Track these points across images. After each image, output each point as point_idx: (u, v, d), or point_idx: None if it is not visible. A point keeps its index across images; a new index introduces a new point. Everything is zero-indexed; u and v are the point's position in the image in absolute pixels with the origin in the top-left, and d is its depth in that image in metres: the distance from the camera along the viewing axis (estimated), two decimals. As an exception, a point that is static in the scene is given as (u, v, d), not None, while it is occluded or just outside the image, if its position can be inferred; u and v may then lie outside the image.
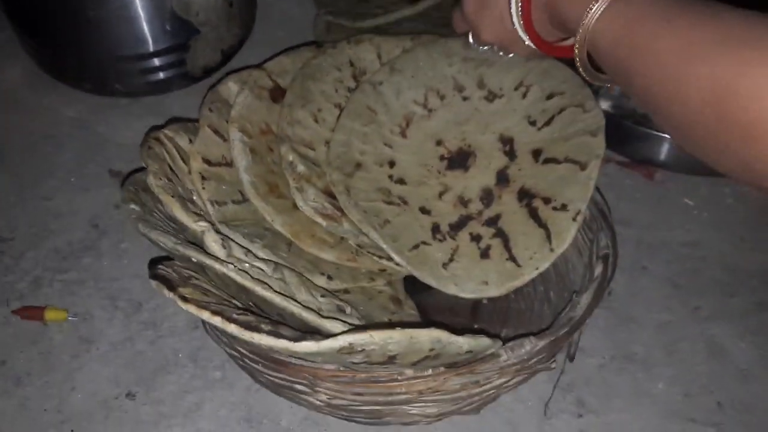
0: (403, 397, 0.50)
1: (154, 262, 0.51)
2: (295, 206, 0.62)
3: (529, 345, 0.50)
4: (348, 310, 0.56)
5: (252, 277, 0.49)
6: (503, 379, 0.52)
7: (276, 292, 0.49)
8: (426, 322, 0.66)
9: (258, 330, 0.42)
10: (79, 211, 0.78)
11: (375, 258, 0.63)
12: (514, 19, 0.53)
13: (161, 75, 0.92)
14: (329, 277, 0.60)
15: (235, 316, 0.43)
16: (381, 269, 0.63)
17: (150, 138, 0.59)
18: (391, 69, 0.70)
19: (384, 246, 0.60)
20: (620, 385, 0.63)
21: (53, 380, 0.62)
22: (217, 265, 0.48)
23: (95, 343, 0.65)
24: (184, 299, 0.44)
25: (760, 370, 0.65)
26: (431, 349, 0.46)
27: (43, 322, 0.66)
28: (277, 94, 0.68)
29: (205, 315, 0.43)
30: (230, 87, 0.67)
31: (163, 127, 0.62)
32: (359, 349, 0.43)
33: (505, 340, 0.51)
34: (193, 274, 0.51)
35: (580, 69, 0.48)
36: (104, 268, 0.72)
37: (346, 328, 0.49)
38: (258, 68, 0.68)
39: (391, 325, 0.44)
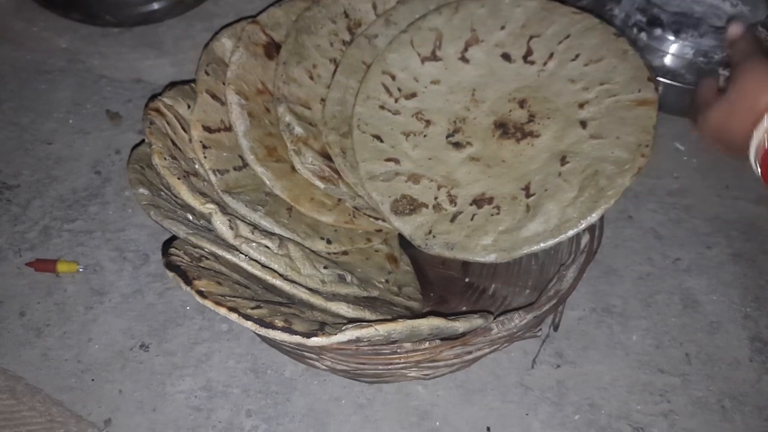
0: (402, 365, 0.55)
1: (166, 244, 0.54)
2: (293, 169, 0.64)
3: (518, 319, 0.54)
4: (348, 278, 0.60)
5: (262, 266, 0.52)
6: (494, 347, 0.57)
7: (285, 279, 0.52)
8: (420, 276, 0.70)
9: (273, 326, 0.46)
10: (80, 156, 0.80)
11: (371, 219, 0.65)
12: (752, 158, 0.52)
13: (152, 5, 0.90)
14: (328, 241, 0.63)
15: (249, 311, 0.47)
16: (377, 229, 0.66)
17: (150, 110, 0.59)
18: (387, 21, 0.69)
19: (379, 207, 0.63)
20: (597, 337, 0.68)
21: (71, 331, 0.67)
22: (229, 256, 0.51)
23: (107, 294, 0.69)
24: (201, 294, 0.47)
25: (728, 322, 0.70)
26: (430, 334, 0.50)
27: (55, 274, 0.70)
28: (272, 49, 0.67)
29: (223, 311, 0.47)
30: (224, 43, 0.67)
31: (162, 93, 0.62)
32: (365, 340, 0.47)
33: (496, 315, 0.55)
34: (204, 254, 0.54)
35: None
36: (110, 217, 0.75)
37: (349, 308, 0.53)
38: (251, 22, 0.67)
39: (393, 319, 0.48)
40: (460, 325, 0.51)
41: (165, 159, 0.56)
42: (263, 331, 0.46)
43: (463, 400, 0.64)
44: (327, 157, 0.65)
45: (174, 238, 0.55)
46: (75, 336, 0.67)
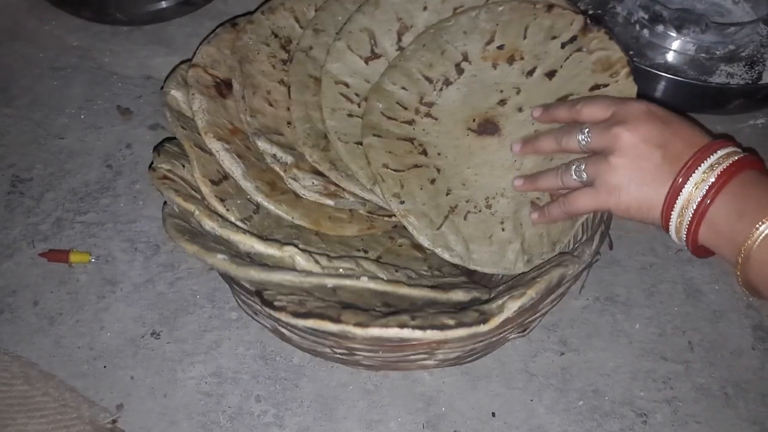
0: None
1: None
2: (298, 196, 0.64)
3: (588, 249, 0.59)
4: (413, 274, 0.61)
5: (386, 281, 0.54)
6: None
7: (410, 286, 0.54)
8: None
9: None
10: (92, 151, 0.81)
11: (386, 218, 0.66)
12: (672, 228, 0.52)
13: (162, 3, 0.92)
14: (364, 251, 0.64)
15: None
16: (394, 226, 0.68)
17: (157, 181, 0.59)
18: (315, 31, 0.70)
19: (384, 201, 0.64)
20: (601, 326, 0.69)
21: (83, 319, 0.68)
22: (314, 279, 0.52)
23: (119, 284, 0.70)
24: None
25: (730, 311, 0.71)
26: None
27: (68, 264, 0.71)
28: (222, 87, 0.67)
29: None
30: (175, 96, 0.66)
31: (153, 163, 0.62)
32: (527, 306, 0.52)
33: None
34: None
35: (743, 286, 0.51)
36: (121, 209, 0.76)
37: (462, 291, 0.56)
38: (191, 66, 0.67)
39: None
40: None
41: (217, 219, 0.56)
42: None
43: (469, 386, 0.65)
44: (320, 174, 0.65)
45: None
46: (87, 324, 0.68)
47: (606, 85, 0.62)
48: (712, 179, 0.49)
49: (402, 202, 0.61)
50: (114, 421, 0.62)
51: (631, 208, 0.53)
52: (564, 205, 0.58)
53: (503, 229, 0.61)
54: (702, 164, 0.50)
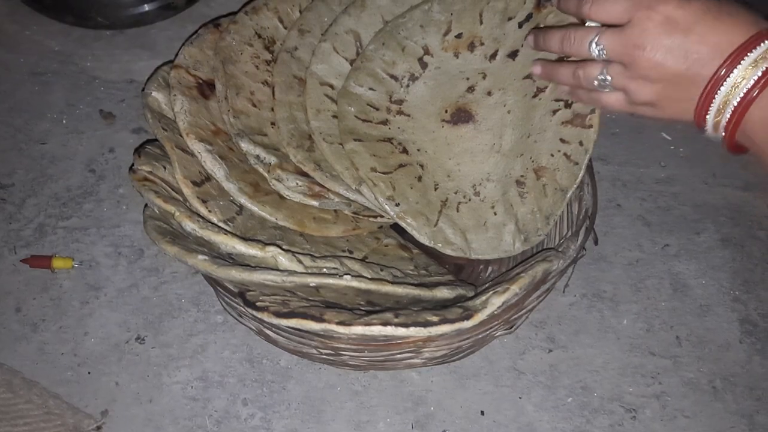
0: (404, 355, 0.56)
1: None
2: (282, 197, 0.63)
3: (572, 244, 0.58)
4: (399, 274, 0.60)
5: (369, 279, 0.53)
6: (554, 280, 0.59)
7: (394, 283, 0.53)
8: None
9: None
10: (74, 155, 0.80)
11: (371, 219, 0.65)
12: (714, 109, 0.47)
13: (144, 7, 0.91)
14: (350, 252, 0.63)
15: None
16: (379, 226, 0.67)
17: (140, 181, 0.57)
18: (300, 32, 0.69)
19: (378, 204, 0.63)
20: (589, 322, 0.69)
21: (67, 325, 0.67)
22: (297, 279, 0.51)
23: (102, 289, 0.70)
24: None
25: (717, 305, 0.71)
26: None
27: (51, 270, 0.70)
28: (204, 88, 0.66)
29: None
30: (156, 97, 0.65)
31: (133, 165, 0.61)
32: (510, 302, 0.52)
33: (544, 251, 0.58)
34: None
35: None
36: (104, 214, 0.75)
37: (447, 289, 0.56)
38: (173, 67, 0.65)
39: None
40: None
41: (198, 220, 0.55)
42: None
43: (457, 385, 0.64)
44: (304, 175, 0.64)
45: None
46: (71, 330, 0.67)
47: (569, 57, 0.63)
48: (749, 85, 0.45)
49: (397, 205, 0.61)
50: (99, 428, 0.61)
51: (663, 119, 0.52)
52: (592, 96, 0.55)
53: (495, 213, 0.62)
54: (736, 68, 0.45)
